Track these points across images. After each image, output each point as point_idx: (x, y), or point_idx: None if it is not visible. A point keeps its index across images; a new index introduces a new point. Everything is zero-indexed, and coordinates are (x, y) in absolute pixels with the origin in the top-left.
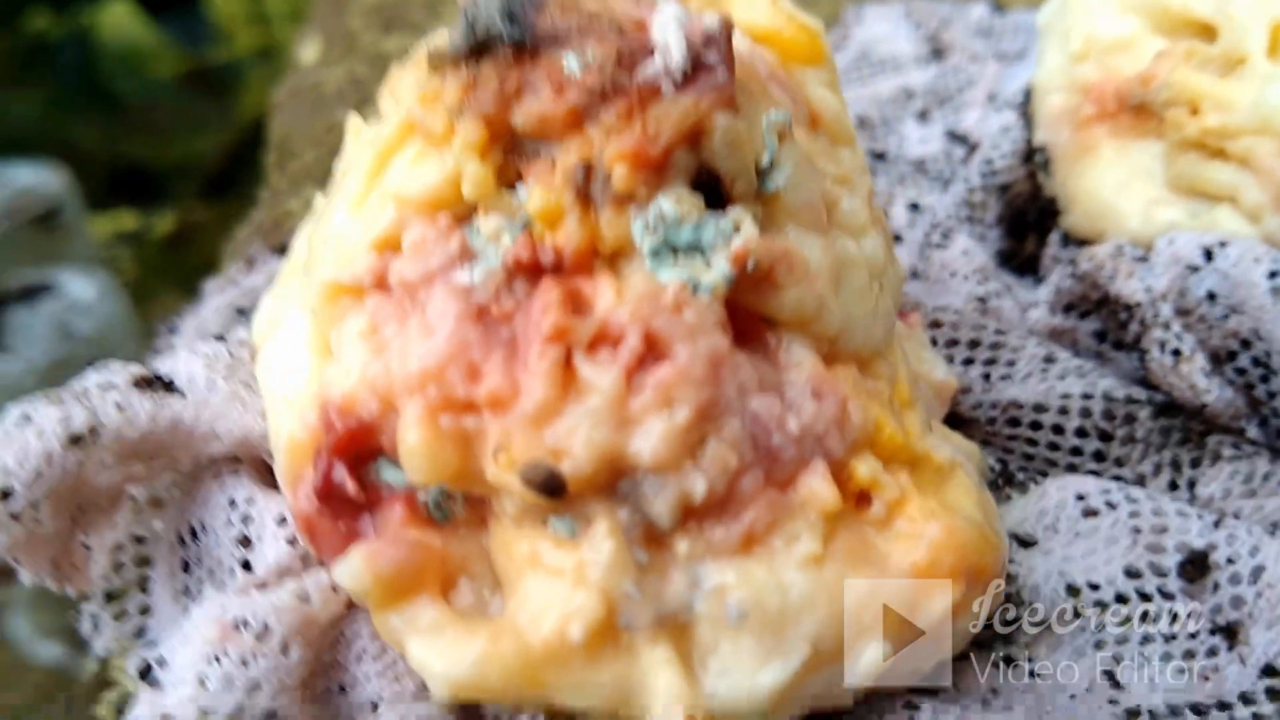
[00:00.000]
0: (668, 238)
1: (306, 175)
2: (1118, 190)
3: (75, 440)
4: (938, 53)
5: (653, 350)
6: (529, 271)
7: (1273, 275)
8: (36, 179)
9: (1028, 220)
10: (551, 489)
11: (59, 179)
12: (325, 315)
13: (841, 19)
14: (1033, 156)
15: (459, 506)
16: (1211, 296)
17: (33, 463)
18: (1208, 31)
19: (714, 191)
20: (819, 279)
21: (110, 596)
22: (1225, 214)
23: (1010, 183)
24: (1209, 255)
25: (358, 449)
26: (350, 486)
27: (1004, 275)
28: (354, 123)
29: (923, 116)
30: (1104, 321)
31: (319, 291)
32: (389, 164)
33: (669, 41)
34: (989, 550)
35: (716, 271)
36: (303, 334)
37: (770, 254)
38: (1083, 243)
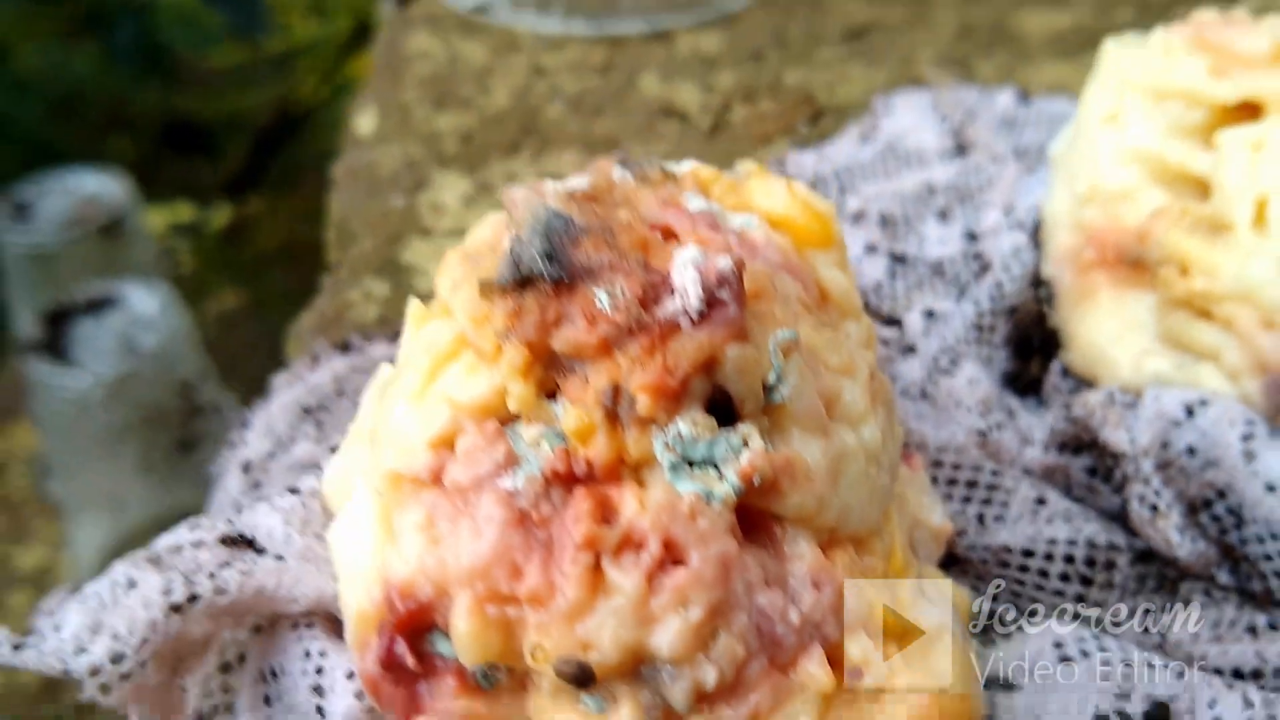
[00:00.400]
0: (684, 454)
1: (365, 264)
2: (1112, 339)
3: (176, 609)
4: (961, 148)
5: (671, 554)
6: (564, 480)
7: (1246, 438)
8: (101, 186)
9: (1033, 344)
10: (582, 680)
11: (122, 186)
12: (389, 498)
13: (872, 108)
14: (1040, 286)
15: (503, 676)
16: (1191, 450)
17: (140, 631)
18: (1204, 186)
19: (725, 408)
20: (819, 479)
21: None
22: (1208, 371)
23: (1018, 305)
24: (1190, 412)
25: (415, 625)
26: (409, 660)
27: (1008, 398)
28: (414, 308)
29: (943, 216)
30: (1094, 460)
31: (384, 477)
32: (444, 369)
33: (686, 284)
34: (967, 714)
35: (727, 484)
36: (369, 512)
37: (775, 466)
38: (1080, 379)
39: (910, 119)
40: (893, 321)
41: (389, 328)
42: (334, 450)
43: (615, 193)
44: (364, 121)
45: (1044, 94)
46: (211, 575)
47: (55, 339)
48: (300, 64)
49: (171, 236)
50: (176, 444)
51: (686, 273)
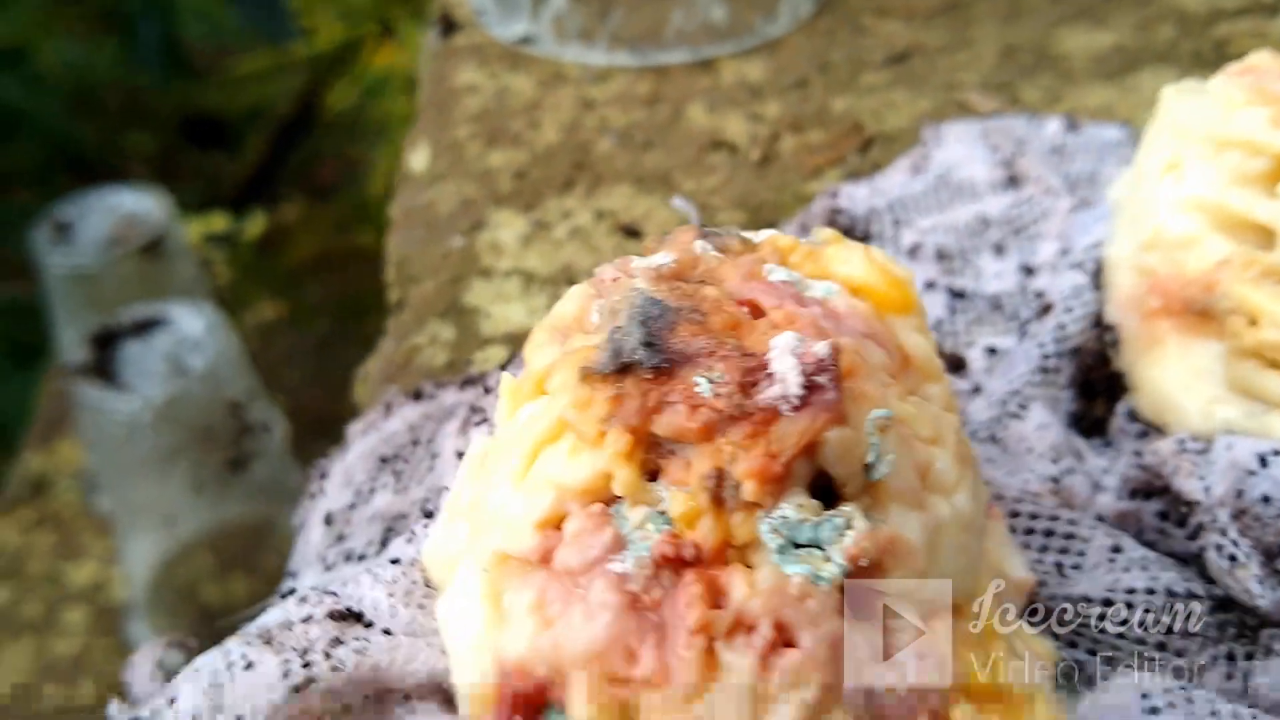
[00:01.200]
0: (790, 536)
1: (428, 308)
2: (1181, 387)
3: (295, 690)
4: (1013, 179)
5: (782, 636)
6: (673, 564)
7: None
8: (140, 204)
9: (1097, 386)
10: None
11: (161, 204)
12: (496, 576)
13: (922, 138)
14: (1104, 329)
15: None
16: (1266, 499)
17: (263, 712)
18: (1268, 234)
19: (827, 490)
20: (920, 555)
21: None
22: (1278, 422)
23: (1081, 345)
24: (1264, 461)
25: (531, 703)
26: None
27: (1075, 441)
28: (508, 385)
29: (999, 250)
30: (1166, 505)
31: (491, 556)
32: (546, 450)
33: (785, 371)
34: None
35: (835, 565)
36: (476, 590)
37: (879, 546)
38: (1148, 424)
39: (961, 150)
40: (957, 364)
41: (458, 373)
42: (414, 502)
43: (699, 268)
44: (417, 159)
45: (1091, 120)
46: (326, 654)
47: (103, 362)
48: (325, 67)
49: (206, 247)
50: (226, 463)
51: (785, 359)
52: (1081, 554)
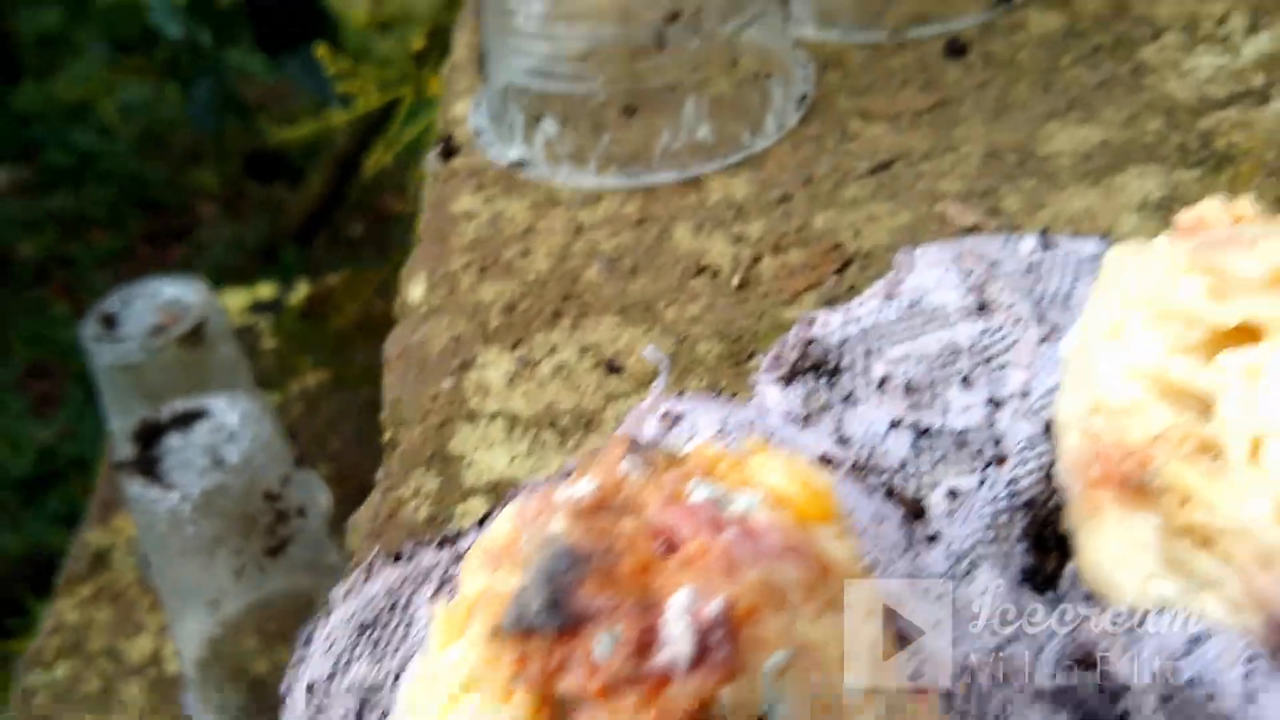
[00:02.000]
0: None
1: (415, 456)
2: (1118, 560)
3: None
4: (983, 306)
5: None
6: None
7: (1247, 676)
8: (181, 292)
9: (1049, 542)
10: None
11: (201, 291)
12: None
13: (896, 262)
14: (1054, 489)
15: None
16: (1192, 683)
17: None
18: (1207, 404)
19: None
20: None
21: None
22: (1212, 601)
23: (1034, 499)
24: (1194, 642)
25: None
26: None
27: (1024, 598)
28: (441, 618)
29: (966, 382)
30: (1100, 680)
31: None
32: (465, 698)
33: (679, 634)
34: None
35: None
36: None
37: None
38: (1089, 593)
39: (933, 275)
40: (918, 511)
41: (437, 530)
42: (389, 673)
43: (623, 494)
44: (414, 290)
45: (1070, 230)
46: None
47: (147, 456)
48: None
49: (252, 316)
50: (265, 550)
51: (679, 622)
52: None
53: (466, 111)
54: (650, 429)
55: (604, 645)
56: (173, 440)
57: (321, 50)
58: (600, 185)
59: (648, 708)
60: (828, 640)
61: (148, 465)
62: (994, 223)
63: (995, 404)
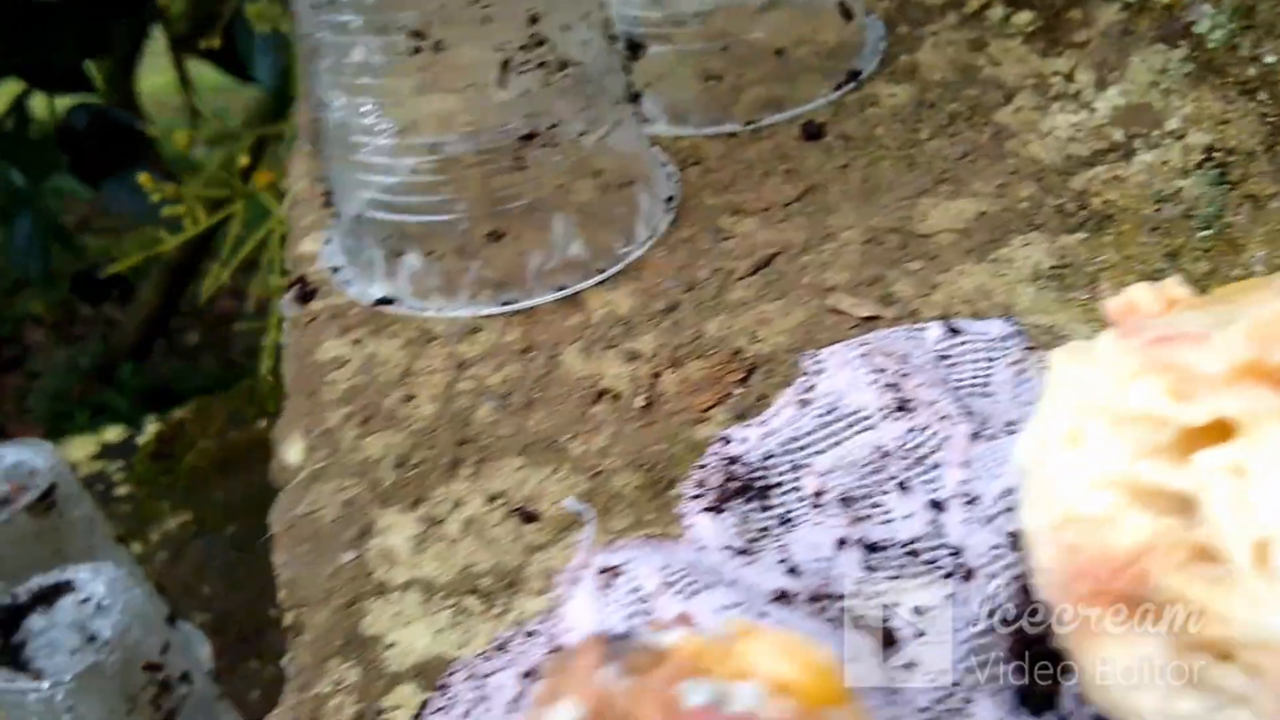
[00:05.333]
0: None
1: (325, 643)
2: (1130, 682)
3: None
4: (902, 405)
5: None
6: None
7: None
8: (22, 456)
9: (1036, 661)
10: None
11: (47, 451)
12: None
13: (802, 366)
14: (1034, 603)
15: None
16: None
17: None
18: (1186, 503)
19: None
20: None
21: None
22: (1244, 716)
23: (1016, 615)
24: None
25: None
26: None
27: None
28: None
29: (903, 488)
30: None
31: None
32: None
33: None
34: None
35: None
36: None
37: None
38: (1096, 714)
39: (844, 376)
40: (889, 639)
41: None
42: None
43: (614, 711)
44: (291, 452)
45: (969, 311)
46: None
47: (8, 644)
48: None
49: (101, 461)
50: None
51: None
52: None
53: (316, 249)
54: (589, 590)
55: None
56: (35, 622)
57: (144, 178)
58: (475, 314)
59: None
60: None
61: (11, 654)
62: (890, 312)
63: (937, 506)
